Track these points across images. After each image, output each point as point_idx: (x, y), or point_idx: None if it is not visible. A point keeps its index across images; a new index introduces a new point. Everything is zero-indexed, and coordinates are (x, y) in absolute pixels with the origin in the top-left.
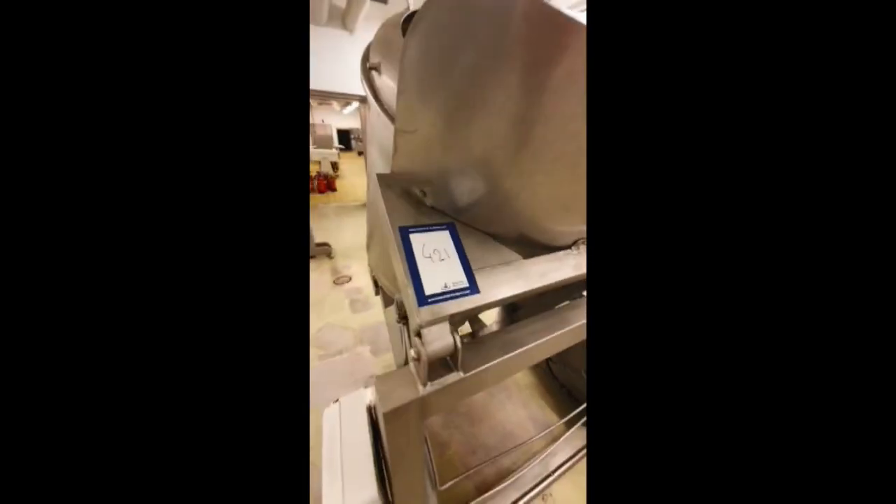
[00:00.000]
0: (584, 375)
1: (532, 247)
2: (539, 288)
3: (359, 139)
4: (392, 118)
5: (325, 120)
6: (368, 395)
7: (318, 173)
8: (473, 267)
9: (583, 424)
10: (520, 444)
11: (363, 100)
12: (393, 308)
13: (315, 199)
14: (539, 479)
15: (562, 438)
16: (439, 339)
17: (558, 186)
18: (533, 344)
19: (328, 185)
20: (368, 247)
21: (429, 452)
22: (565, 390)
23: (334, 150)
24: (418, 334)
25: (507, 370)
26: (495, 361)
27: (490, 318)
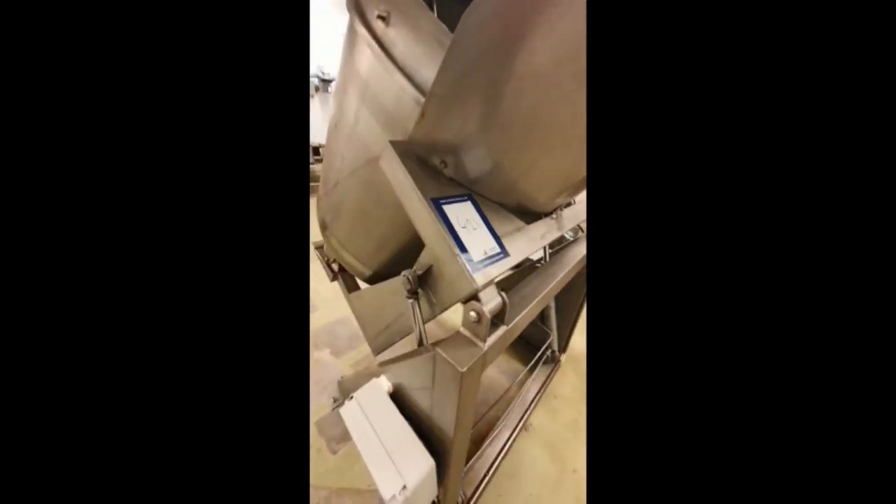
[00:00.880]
0: (538, 323)
1: (525, 214)
2: (541, 245)
3: None
4: (408, 76)
5: None
6: (385, 384)
7: None
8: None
9: (544, 363)
10: (501, 396)
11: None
12: (378, 289)
13: None
14: (520, 416)
15: (530, 379)
16: (493, 299)
17: (557, 163)
18: (547, 290)
19: None
20: (326, 226)
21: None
22: (523, 340)
23: None
24: (475, 298)
25: (530, 317)
26: (525, 311)
27: None
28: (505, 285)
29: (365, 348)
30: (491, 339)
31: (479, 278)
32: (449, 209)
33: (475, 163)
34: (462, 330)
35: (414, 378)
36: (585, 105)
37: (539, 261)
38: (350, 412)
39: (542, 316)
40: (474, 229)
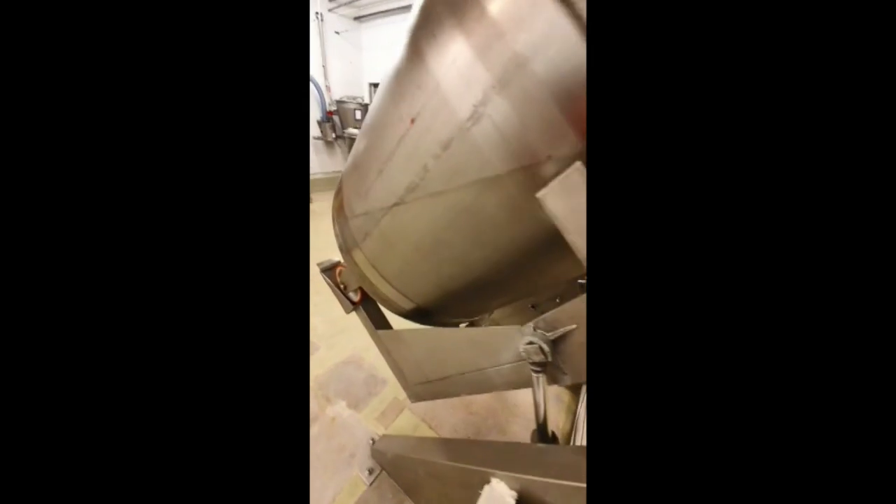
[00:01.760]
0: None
1: None
2: None
3: None
4: None
5: None
6: (504, 492)
7: None
8: None
9: None
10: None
11: None
12: (441, 335)
13: None
14: None
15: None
16: None
17: None
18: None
19: None
20: (351, 249)
21: None
22: None
23: None
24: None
25: None
26: None
27: None
28: None
29: (390, 392)
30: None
31: None
32: None
33: None
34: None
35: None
36: None
37: None
38: None
39: None
40: None
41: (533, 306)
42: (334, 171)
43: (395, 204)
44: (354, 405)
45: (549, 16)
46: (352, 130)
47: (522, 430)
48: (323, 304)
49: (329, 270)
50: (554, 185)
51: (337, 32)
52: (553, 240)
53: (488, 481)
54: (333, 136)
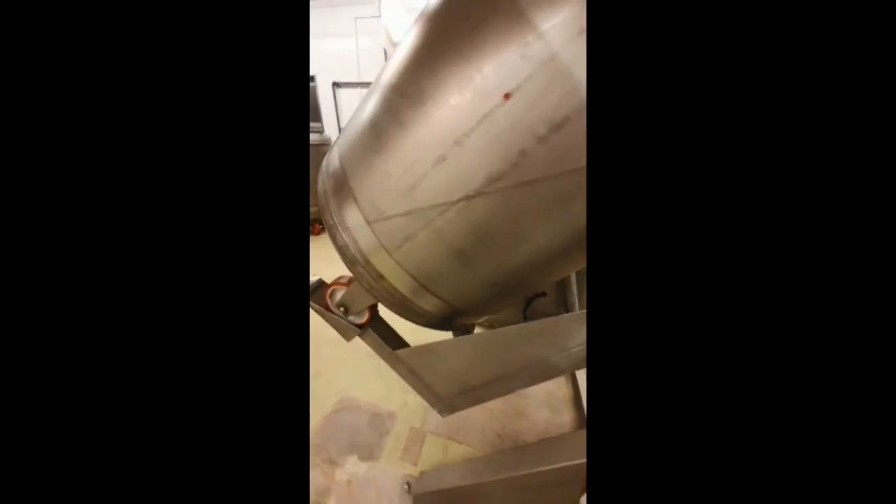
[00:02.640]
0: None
1: None
2: None
3: None
4: None
5: None
6: None
7: None
8: None
9: None
10: None
11: None
12: (500, 335)
13: None
14: None
15: None
16: None
17: None
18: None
19: None
20: (415, 259)
21: None
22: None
23: None
24: None
25: None
26: None
27: None
28: None
29: (404, 422)
30: None
31: None
32: None
33: None
34: None
35: None
36: None
37: None
38: None
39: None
40: None
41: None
42: None
43: (466, 198)
44: (368, 455)
45: None
46: None
47: (537, 408)
48: None
49: (314, 292)
50: None
51: None
52: None
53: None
54: None
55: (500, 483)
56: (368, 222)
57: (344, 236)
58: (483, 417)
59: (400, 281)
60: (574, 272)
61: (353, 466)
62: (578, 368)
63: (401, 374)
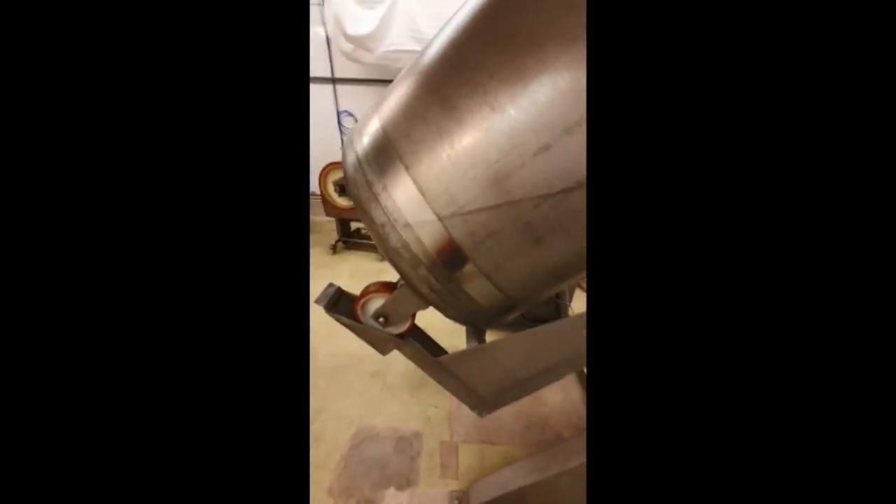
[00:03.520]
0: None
1: None
2: None
3: None
4: None
5: None
6: None
7: None
8: None
9: None
10: None
11: None
12: (558, 325)
13: None
14: None
15: None
16: None
17: None
18: None
19: None
20: (495, 258)
21: None
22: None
23: None
24: None
25: None
26: None
27: None
28: None
29: (433, 438)
30: None
31: None
32: None
33: None
34: None
35: None
36: None
37: None
38: None
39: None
40: None
41: None
42: None
43: (566, 190)
44: (405, 483)
45: None
46: None
47: (548, 392)
48: None
49: (336, 305)
50: None
51: None
52: None
53: None
54: None
55: (567, 473)
56: (441, 217)
57: (403, 235)
58: (505, 414)
59: (473, 282)
60: None
61: (392, 499)
62: None
63: (440, 382)
